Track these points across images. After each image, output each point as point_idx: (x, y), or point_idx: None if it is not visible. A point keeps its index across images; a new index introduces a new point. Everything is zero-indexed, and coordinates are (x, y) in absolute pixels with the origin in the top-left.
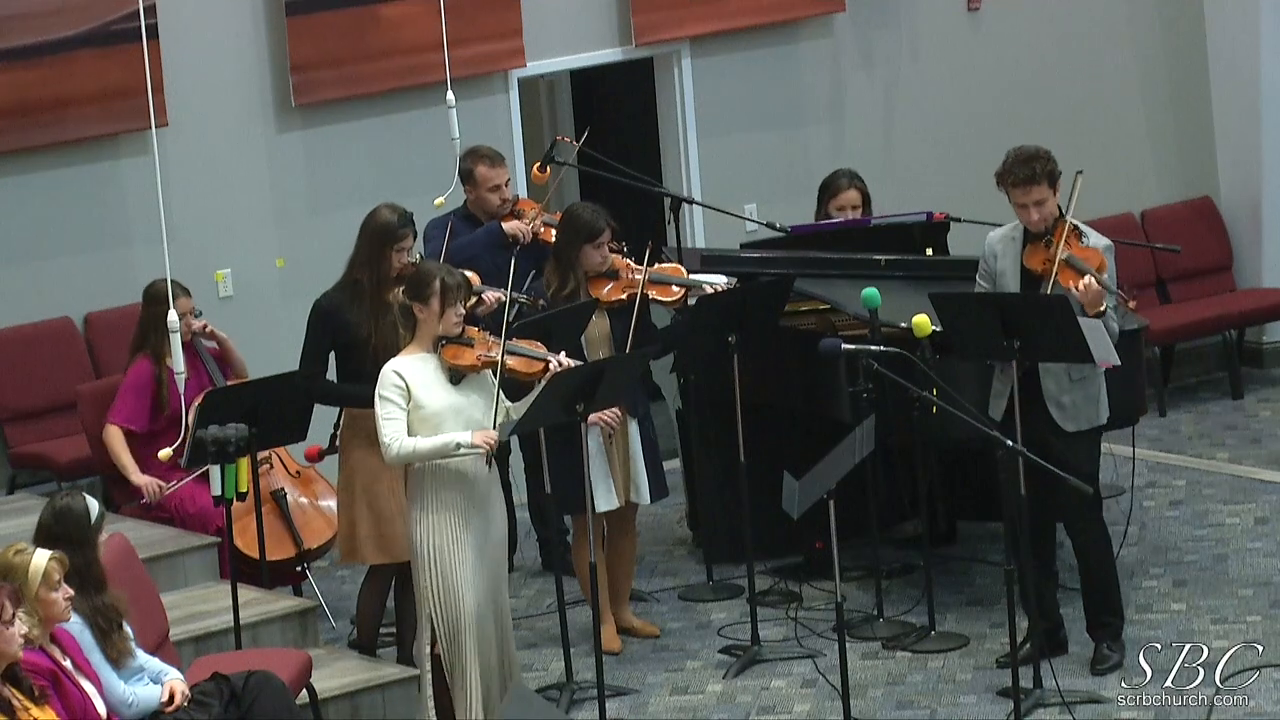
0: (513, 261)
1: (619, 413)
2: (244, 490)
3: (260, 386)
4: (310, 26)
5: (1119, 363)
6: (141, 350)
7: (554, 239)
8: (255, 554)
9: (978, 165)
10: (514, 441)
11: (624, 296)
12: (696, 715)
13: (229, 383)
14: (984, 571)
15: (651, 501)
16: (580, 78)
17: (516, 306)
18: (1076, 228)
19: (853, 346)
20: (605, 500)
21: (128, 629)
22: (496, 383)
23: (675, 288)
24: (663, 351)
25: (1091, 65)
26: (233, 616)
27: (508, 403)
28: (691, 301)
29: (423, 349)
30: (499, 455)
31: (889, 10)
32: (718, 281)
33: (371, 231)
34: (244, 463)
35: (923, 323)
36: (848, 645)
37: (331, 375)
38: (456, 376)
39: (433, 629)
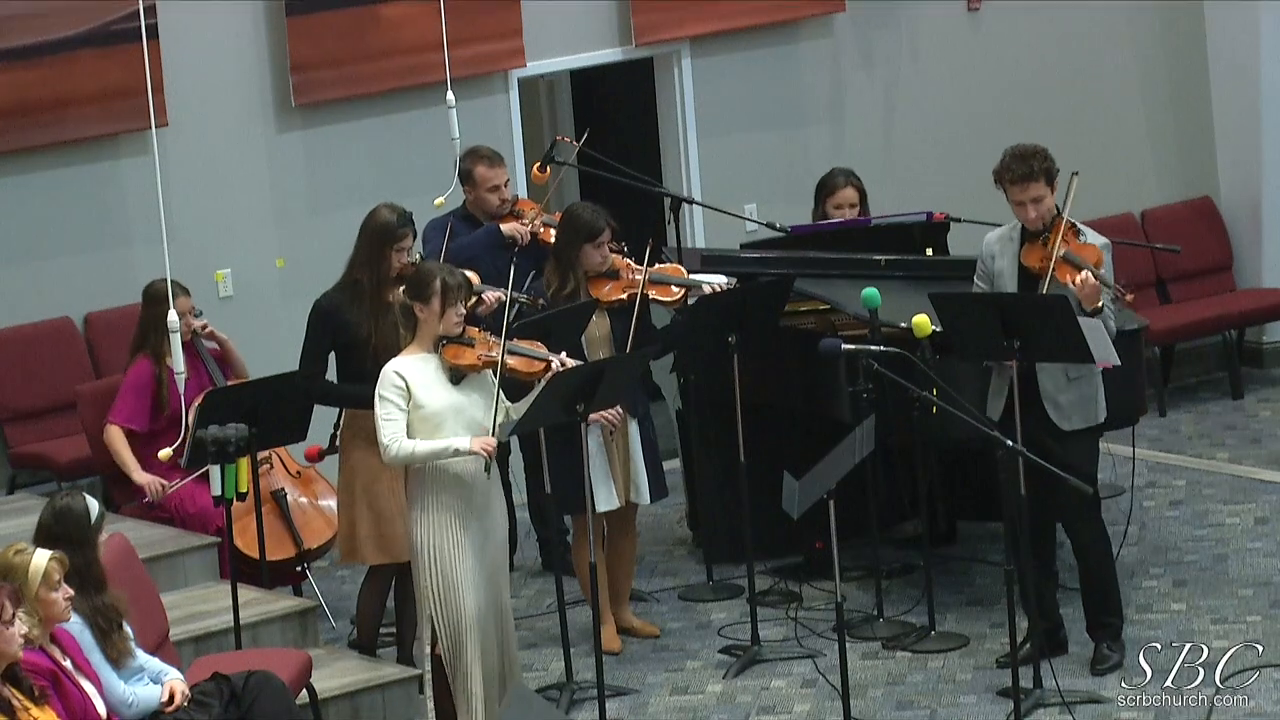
0: (513, 264)
1: (620, 410)
2: (244, 490)
3: (260, 386)
4: (310, 26)
5: (1119, 362)
6: (141, 350)
7: (554, 239)
8: (255, 554)
9: (978, 165)
10: (514, 441)
11: (624, 296)
12: (696, 715)
13: (229, 383)
14: (984, 571)
15: (651, 501)
16: (580, 78)
17: (517, 306)
18: (1074, 225)
19: (853, 346)
20: (605, 500)
21: (128, 629)
22: (496, 383)
23: (675, 288)
24: (663, 351)
25: (1091, 65)
26: (233, 616)
27: (507, 403)
28: (691, 301)
29: (423, 349)
30: (499, 455)
31: (889, 10)
32: (718, 281)
33: (371, 231)
34: (244, 463)
35: (923, 323)
36: (848, 645)
37: (332, 375)
38: (457, 376)
39: (433, 629)
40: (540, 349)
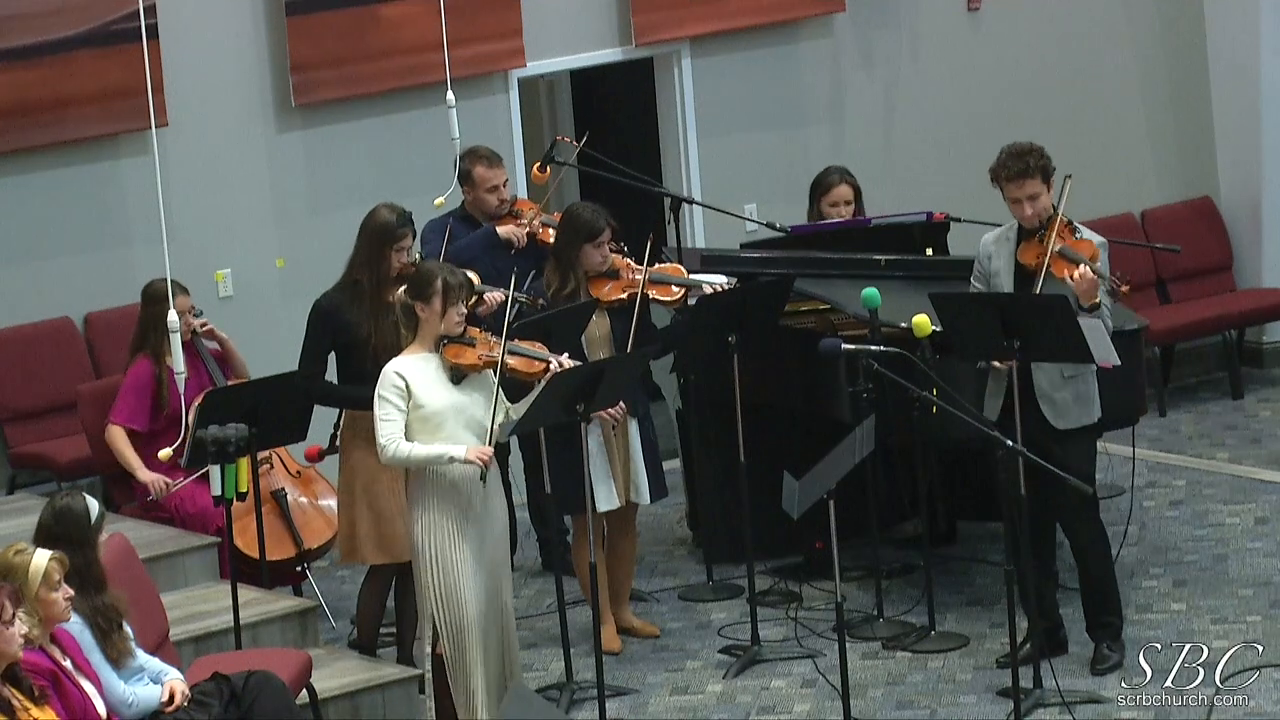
0: (514, 271)
1: (623, 406)
2: (244, 490)
3: (260, 386)
4: (310, 26)
5: (1119, 362)
6: (141, 350)
7: (554, 239)
8: (255, 554)
9: (978, 165)
10: (514, 441)
11: (624, 296)
12: (696, 715)
13: (229, 383)
14: (984, 571)
15: (651, 501)
16: (580, 78)
17: (517, 306)
18: (1070, 222)
19: (853, 346)
20: (605, 500)
21: (128, 629)
22: (496, 382)
23: (675, 288)
24: (663, 351)
25: (1091, 65)
26: (233, 616)
27: (507, 403)
28: (691, 301)
29: (424, 348)
30: (499, 455)
31: (889, 10)
32: (718, 281)
33: (371, 232)
34: (244, 463)
35: (923, 323)
36: (848, 645)
37: (331, 375)
38: (458, 376)
39: (434, 629)
40: (541, 349)
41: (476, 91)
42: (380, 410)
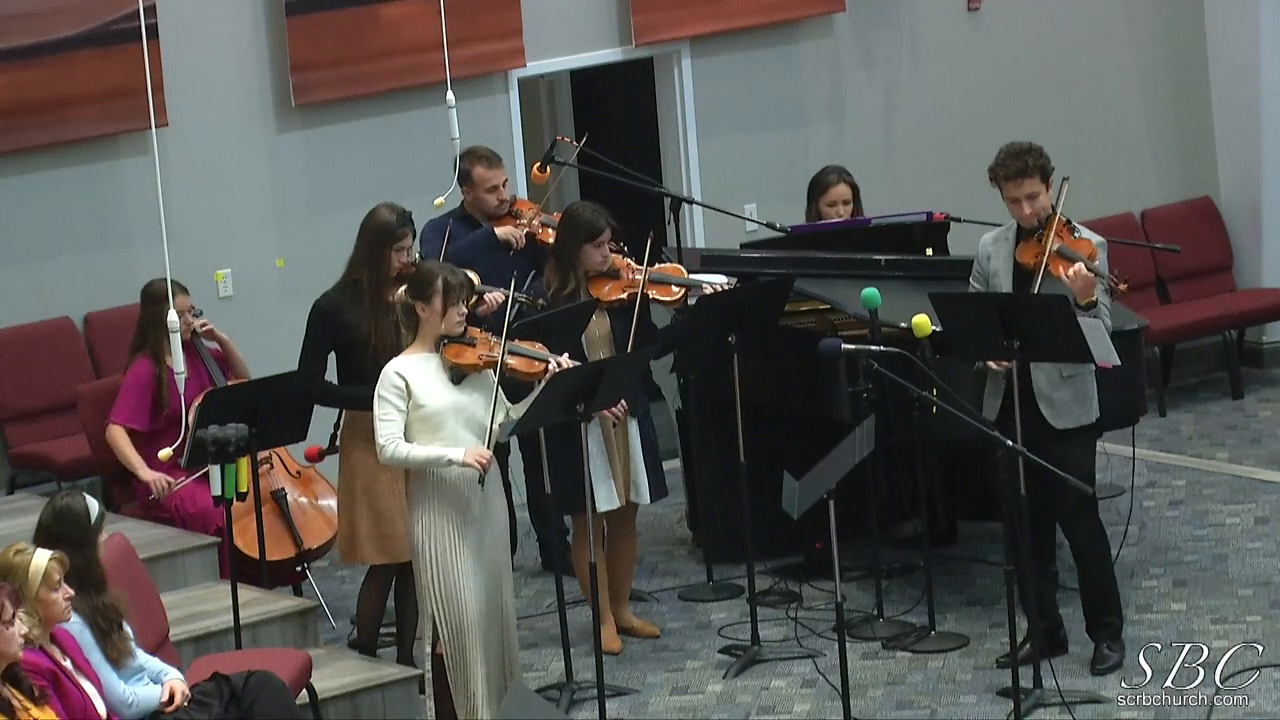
0: (514, 274)
1: (625, 404)
2: (244, 490)
3: (260, 386)
4: (310, 26)
5: (1119, 362)
6: (141, 350)
7: (554, 238)
8: (255, 554)
9: (978, 165)
10: (514, 441)
11: (624, 296)
12: (696, 715)
13: (229, 383)
14: (984, 571)
15: (651, 501)
16: (580, 78)
17: (517, 306)
18: (1068, 222)
19: (853, 346)
20: (605, 500)
21: (128, 629)
22: (496, 382)
23: (675, 288)
24: (663, 351)
25: (1091, 65)
26: (233, 616)
27: (508, 403)
28: (691, 301)
29: (425, 348)
30: (499, 455)
31: (889, 10)
32: (718, 281)
33: (371, 231)
34: (244, 463)
35: (923, 323)
36: (848, 645)
37: (331, 376)
38: (458, 376)
39: (434, 628)
40: (541, 349)
41: (476, 91)
42: (380, 410)
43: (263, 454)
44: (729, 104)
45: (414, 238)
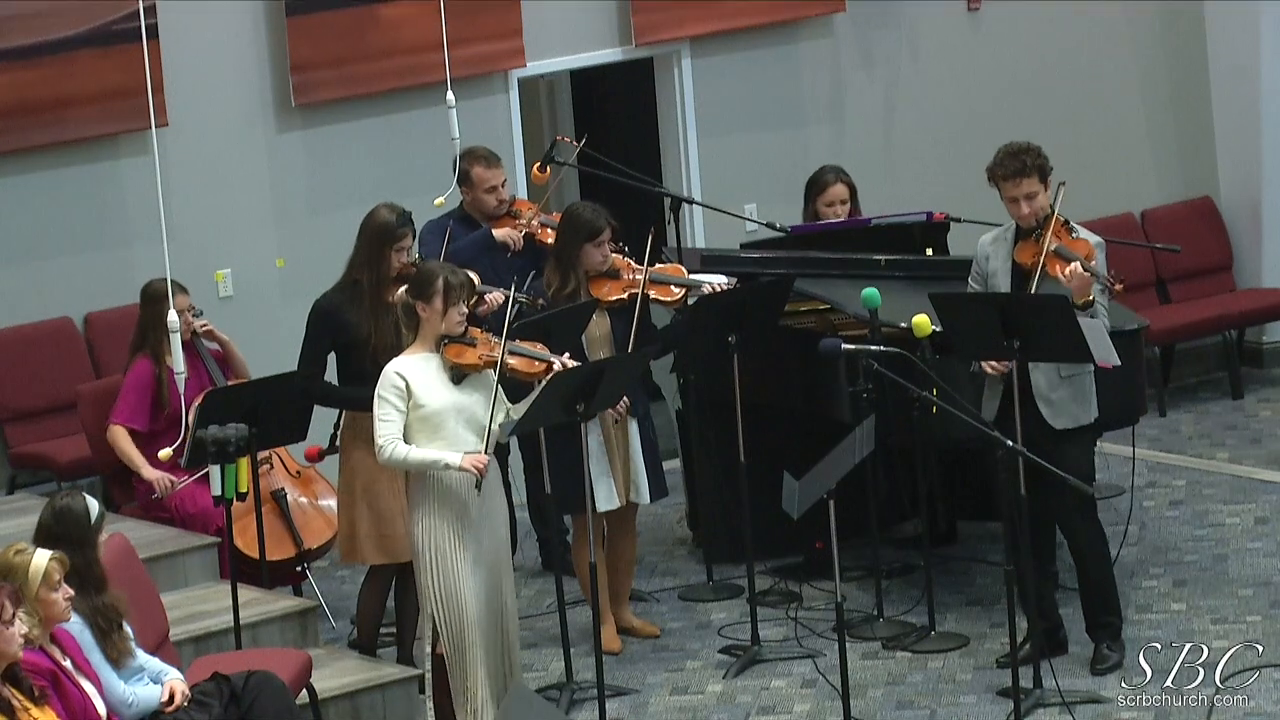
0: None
1: (627, 401)
2: (244, 490)
3: (260, 386)
4: (310, 26)
5: (1119, 362)
6: (141, 350)
7: (555, 238)
8: (255, 554)
9: (978, 165)
10: (514, 441)
11: (624, 296)
12: (696, 715)
13: (229, 383)
14: (984, 571)
15: (651, 501)
16: (580, 78)
17: (517, 306)
18: (1066, 222)
19: (853, 346)
20: (605, 500)
21: (128, 629)
22: (496, 382)
23: (675, 288)
24: (663, 351)
25: (1091, 65)
26: (233, 616)
27: (508, 403)
28: (691, 301)
29: (425, 348)
30: (499, 455)
31: (889, 10)
32: (718, 281)
33: (371, 232)
34: (244, 463)
35: (923, 323)
36: (848, 645)
37: (331, 376)
38: (458, 376)
39: (434, 629)
40: (542, 349)
41: (476, 91)
42: (379, 410)
43: (263, 454)
44: (729, 104)
45: (414, 238)
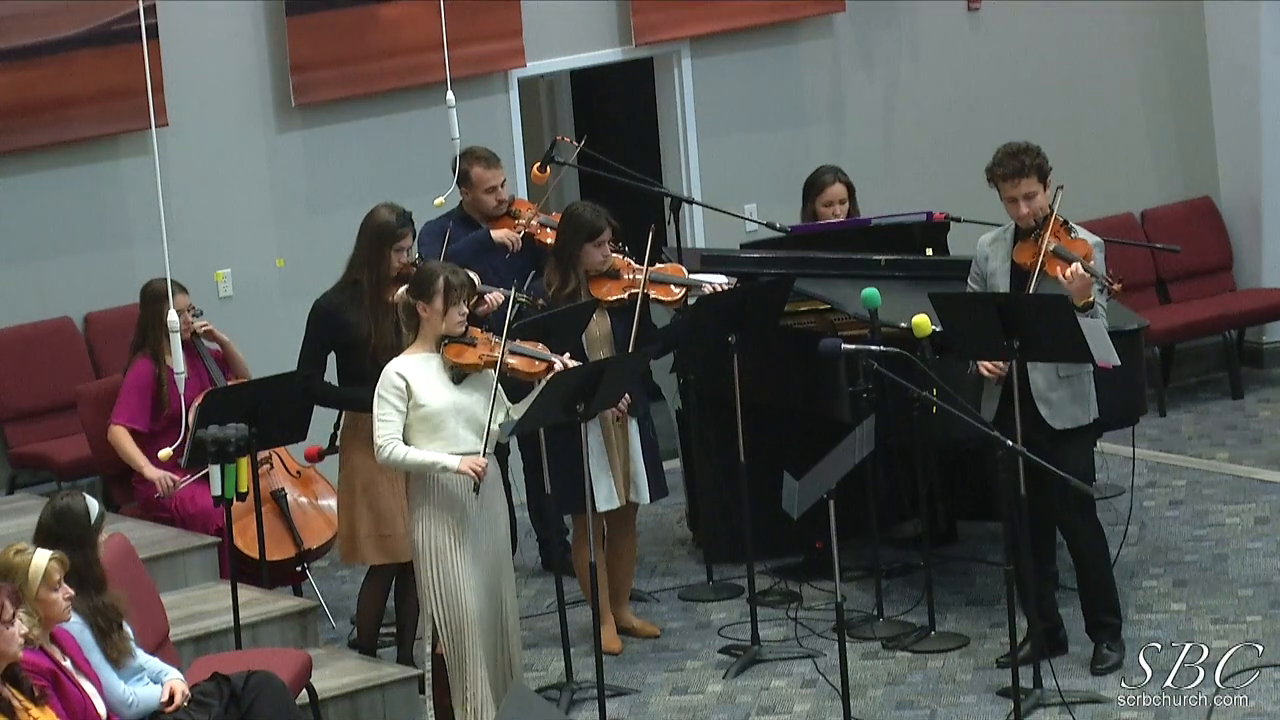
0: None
1: (628, 398)
2: (244, 490)
3: (260, 386)
4: (310, 26)
5: (1119, 362)
6: (141, 350)
7: (555, 238)
8: (255, 554)
9: (978, 165)
10: (514, 441)
11: (624, 296)
12: (696, 715)
13: (229, 383)
14: (984, 571)
15: (651, 501)
16: (580, 78)
17: (517, 306)
18: (1065, 222)
19: (853, 346)
20: (605, 500)
21: (128, 629)
22: (496, 382)
23: (675, 288)
24: (663, 351)
25: (1091, 65)
26: (233, 616)
27: (508, 403)
28: (691, 301)
29: (426, 348)
30: (499, 455)
31: (889, 10)
32: (718, 281)
33: (371, 232)
34: (244, 463)
35: (923, 323)
36: (848, 645)
37: (331, 376)
38: (459, 375)
39: (434, 629)
40: (542, 349)
41: (476, 91)
42: (379, 410)
43: (263, 454)
44: (729, 104)
45: (414, 238)
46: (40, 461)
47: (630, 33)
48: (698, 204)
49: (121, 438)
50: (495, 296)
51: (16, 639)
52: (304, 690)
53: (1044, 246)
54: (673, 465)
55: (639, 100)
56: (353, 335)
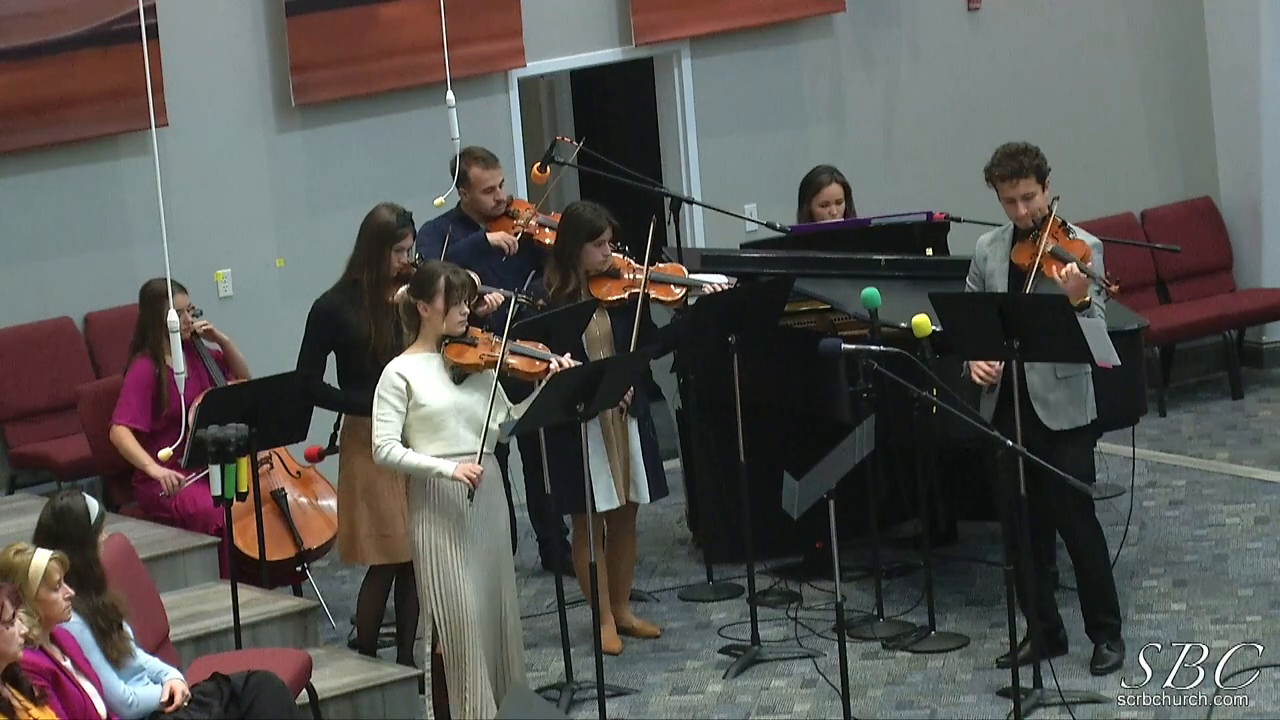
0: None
1: (631, 394)
2: (244, 490)
3: (260, 386)
4: (310, 26)
5: (1119, 363)
6: (141, 350)
7: (555, 238)
8: (255, 554)
9: (978, 165)
10: (514, 441)
11: (624, 296)
12: (696, 715)
13: (229, 383)
14: (984, 571)
15: (651, 501)
16: (580, 78)
17: (517, 306)
18: (1064, 223)
19: (853, 346)
20: (605, 500)
21: (128, 629)
22: (495, 382)
23: (675, 288)
24: (663, 351)
25: (1091, 65)
26: (233, 616)
27: (508, 403)
28: (691, 301)
29: (426, 348)
30: (499, 455)
31: (889, 10)
32: (718, 281)
33: (371, 232)
34: (244, 463)
35: (923, 323)
36: (848, 645)
37: (331, 376)
38: (459, 375)
39: (434, 629)
40: (542, 349)
41: (476, 91)
42: (378, 410)
43: (263, 454)
44: (729, 104)
45: (414, 237)
46: (40, 461)
47: (630, 33)
48: (698, 204)
49: (124, 437)
50: (495, 297)
51: (16, 639)
52: (304, 690)
53: (1042, 247)
54: (673, 465)
55: (639, 100)
56: (353, 335)
